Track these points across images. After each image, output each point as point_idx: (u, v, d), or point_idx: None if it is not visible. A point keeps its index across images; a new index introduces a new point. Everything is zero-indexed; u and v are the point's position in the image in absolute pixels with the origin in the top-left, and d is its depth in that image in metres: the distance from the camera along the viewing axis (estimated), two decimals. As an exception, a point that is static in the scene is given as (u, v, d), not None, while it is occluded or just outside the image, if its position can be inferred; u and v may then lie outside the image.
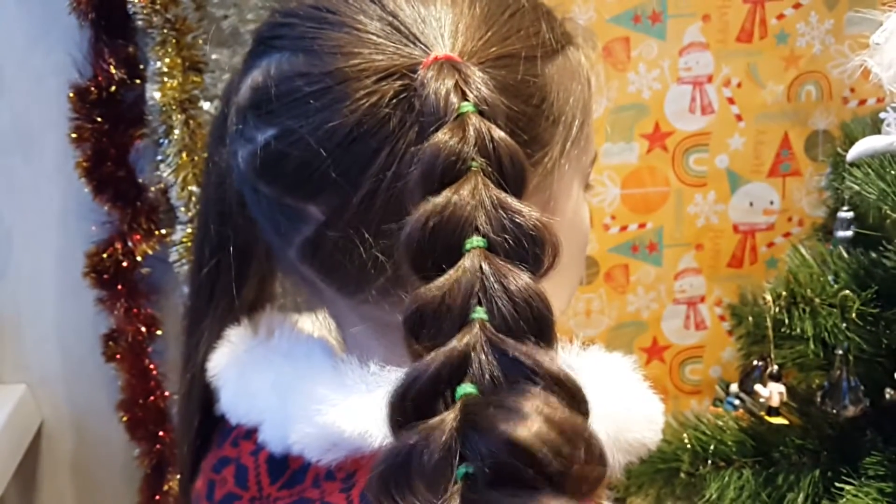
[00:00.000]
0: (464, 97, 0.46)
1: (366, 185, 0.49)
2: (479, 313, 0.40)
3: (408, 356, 0.41)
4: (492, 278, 0.40)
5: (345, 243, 0.51)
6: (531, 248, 0.42)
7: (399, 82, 0.49)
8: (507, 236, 0.42)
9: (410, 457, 0.37)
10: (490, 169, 0.44)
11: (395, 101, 0.49)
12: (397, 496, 0.37)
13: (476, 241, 0.41)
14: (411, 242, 0.42)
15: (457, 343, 0.39)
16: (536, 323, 0.40)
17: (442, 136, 0.44)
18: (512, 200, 0.43)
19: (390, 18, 0.51)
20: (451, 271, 0.41)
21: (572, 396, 0.39)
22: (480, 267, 0.41)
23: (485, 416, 0.37)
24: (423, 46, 0.49)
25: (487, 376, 0.38)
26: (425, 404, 0.39)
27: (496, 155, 0.44)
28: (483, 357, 0.39)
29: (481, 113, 0.45)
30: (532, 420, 0.36)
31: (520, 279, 0.41)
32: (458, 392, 0.38)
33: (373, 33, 0.50)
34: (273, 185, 0.53)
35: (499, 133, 0.45)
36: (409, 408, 0.39)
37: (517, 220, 0.42)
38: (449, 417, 0.37)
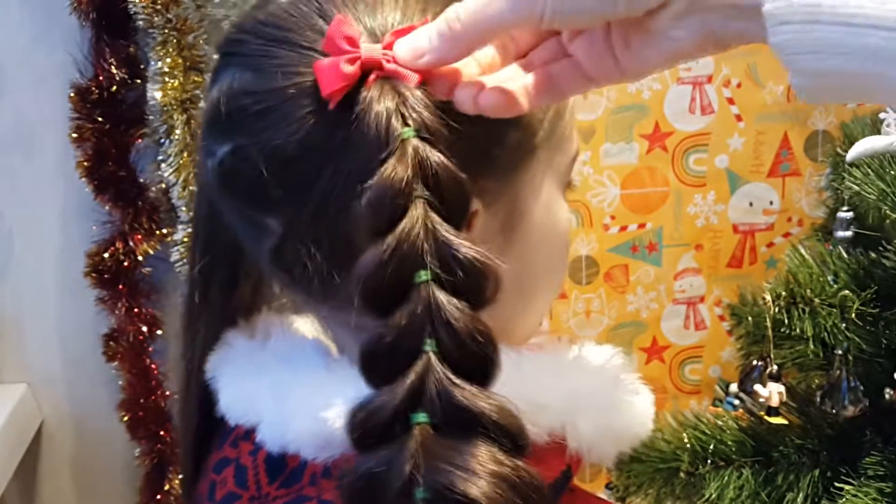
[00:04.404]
0: (404, 122, 0.45)
1: (314, 201, 0.50)
2: (431, 346, 0.42)
3: (368, 385, 0.44)
4: (441, 313, 0.42)
5: (305, 254, 0.52)
6: (473, 282, 0.43)
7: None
8: (450, 270, 0.43)
9: (374, 478, 0.41)
10: (433, 199, 0.44)
11: (336, 120, 0.48)
12: None
13: (423, 275, 0.43)
14: (365, 283, 0.43)
15: (413, 376, 0.42)
16: (480, 357, 0.43)
17: (388, 171, 0.44)
18: (453, 234, 0.44)
19: None
20: (404, 307, 0.43)
21: (513, 439, 0.42)
22: (429, 302, 0.42)
23: (438, 461, 0.41)
24: None
25: (438, 409, 0.41)
26: (384, 428, 0.42)
27: (438, 184, 0.44)
28: (434, 388, 0.42)
29: (422, 138, 0.45)
30: (481, 478, 0.40)
31: (466, 314, 0.43)
32: (412, 418, 0.42)
33: (317, 51, 0.49)
34: (233, 197, 0.54)
35: (440, 159, 0.45)
36: (369, 431, 0.42)
37: (458, 254, 0.43)
38: (411, 448, 0.41)
